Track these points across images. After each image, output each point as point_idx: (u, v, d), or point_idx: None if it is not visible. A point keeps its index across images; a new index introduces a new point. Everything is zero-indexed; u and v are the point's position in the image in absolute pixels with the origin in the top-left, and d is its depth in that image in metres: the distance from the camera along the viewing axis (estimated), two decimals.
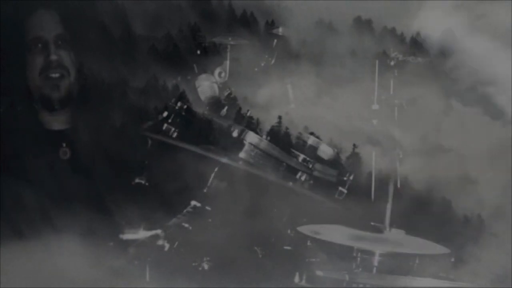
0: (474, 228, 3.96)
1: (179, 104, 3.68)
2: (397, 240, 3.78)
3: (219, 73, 3.79)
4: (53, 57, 3.76)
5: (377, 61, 3.66)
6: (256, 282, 3.76)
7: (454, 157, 3.94)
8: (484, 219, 4.00)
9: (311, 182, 3.83)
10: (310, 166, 3.80)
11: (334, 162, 3.89)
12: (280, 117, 3.61)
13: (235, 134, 3.66)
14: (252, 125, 3.70)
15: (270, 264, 3.83)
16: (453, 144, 3.94)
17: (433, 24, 3.98)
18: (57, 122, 3.91)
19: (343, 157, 3.92)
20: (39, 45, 3.77)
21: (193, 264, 3.72)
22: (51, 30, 3.75)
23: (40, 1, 3.75)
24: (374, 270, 3.67)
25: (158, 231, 3.70)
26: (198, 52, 3.78)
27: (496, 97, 3.98)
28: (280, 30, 3.93)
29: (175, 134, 3.70)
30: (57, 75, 3.79)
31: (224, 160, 3.57)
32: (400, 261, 3.71)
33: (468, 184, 3.93)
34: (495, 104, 3.99)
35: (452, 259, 3.85)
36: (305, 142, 3.80)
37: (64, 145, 3.87)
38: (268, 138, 3.68)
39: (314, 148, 3.81)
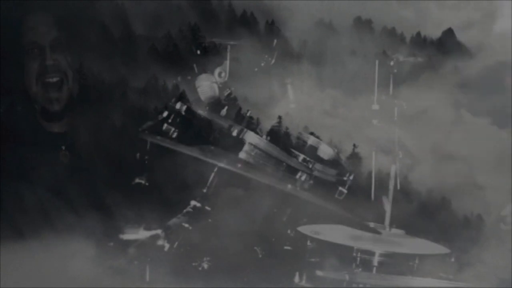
0: (481, 231, 3.97)
1: (179, 104, 3.67)
2: (397, 240, 3.78)
3: (219, 73, 3.78)
4: (49, 62, 3.75)
5: (377, 61, 3.65)
6: (256, 282, 3.76)
7: (462, 164, 3.97)
8: (484, 220, 4.00)
9: (311, 182, 3.83)
10: (310, 166, 3.79)
11: (334, 162, 3.89)
12: (280, 117, 3.61)
13: (234, 133, 3.66)
14: (252, 125, 3.70)
15: (270, 264, 3.83)
16: (461, 151, 3.96)
17: (433, 24, 3.98)
18: (57, 123, 3.91)
19: (343, 157, 3.91)
20: (35, 50, 3.76)
21: (193, 264, 3.72)
22: (46, 34, 3.74)
23: (39, 2, 3.75)
24: (374, 270, 3.67)
25: (158, 231, 3.70)
26: (198, 52, 3.77)
27: (504, 107, 4.01)
28: (280, 30, 3.94)
29: (175, 134, 3.70)
30: (54, 79, 3.78)
31: (222, 164, 3.57)
32: (400, 261, 3.71)
33: (475, 189, 3.95)
34: (502, 113, 4.01)
35: (452, 259, 3.85)
36: (305, 142, 3.80)
37: (64, 145, 3.88)
38: (268, 138, 3.67)
39: (314, 148, 3.80)
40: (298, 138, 3.78)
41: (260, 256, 3.84)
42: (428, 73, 4.08)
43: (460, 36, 4.11)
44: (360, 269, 3.69)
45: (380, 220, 3.84)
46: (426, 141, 3.98)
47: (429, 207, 4.05)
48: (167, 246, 3.68)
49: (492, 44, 4.05)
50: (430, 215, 4.03)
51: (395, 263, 3.69)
